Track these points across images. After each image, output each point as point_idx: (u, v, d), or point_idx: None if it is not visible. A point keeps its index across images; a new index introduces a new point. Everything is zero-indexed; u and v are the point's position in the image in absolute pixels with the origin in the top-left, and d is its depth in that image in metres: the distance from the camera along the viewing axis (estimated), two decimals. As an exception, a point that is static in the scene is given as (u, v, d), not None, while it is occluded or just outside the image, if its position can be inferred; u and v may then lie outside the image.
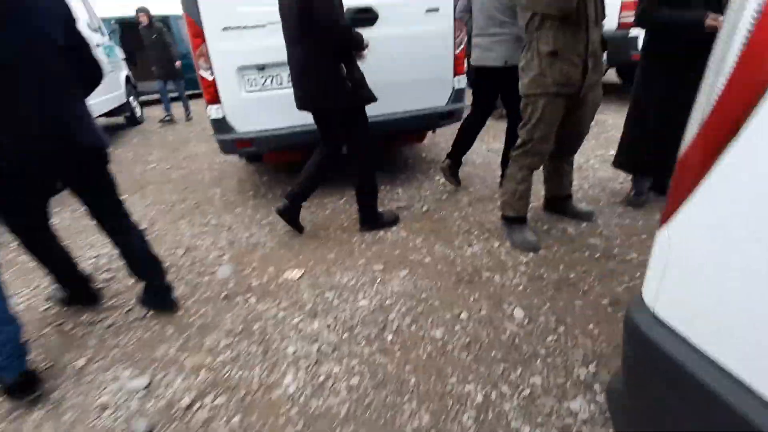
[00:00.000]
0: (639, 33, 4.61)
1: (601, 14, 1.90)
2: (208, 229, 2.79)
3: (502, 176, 3.01)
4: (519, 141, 2.11)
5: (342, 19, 2.07)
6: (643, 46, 2.32)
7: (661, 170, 2.46)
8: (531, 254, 2.15)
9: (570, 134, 2.17)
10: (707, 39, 1.86)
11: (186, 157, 4.69)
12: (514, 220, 2.27)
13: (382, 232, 2.52)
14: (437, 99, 3.11)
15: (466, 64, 3.15)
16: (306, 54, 2.13)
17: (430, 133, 3.84)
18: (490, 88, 2.77)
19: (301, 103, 2.33)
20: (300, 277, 2.11)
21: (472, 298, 1.84)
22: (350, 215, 2.78)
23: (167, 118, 6.81)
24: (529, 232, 2.27)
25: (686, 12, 1.99)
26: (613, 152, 3.57)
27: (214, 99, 2.74)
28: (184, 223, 2.91)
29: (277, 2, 2.18)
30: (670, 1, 2.03)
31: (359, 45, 2.18)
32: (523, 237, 2.23)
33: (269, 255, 2.39)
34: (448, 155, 3.09)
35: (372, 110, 2.35)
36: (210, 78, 2.68)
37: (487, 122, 3.03)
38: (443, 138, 4.43)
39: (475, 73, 2.77)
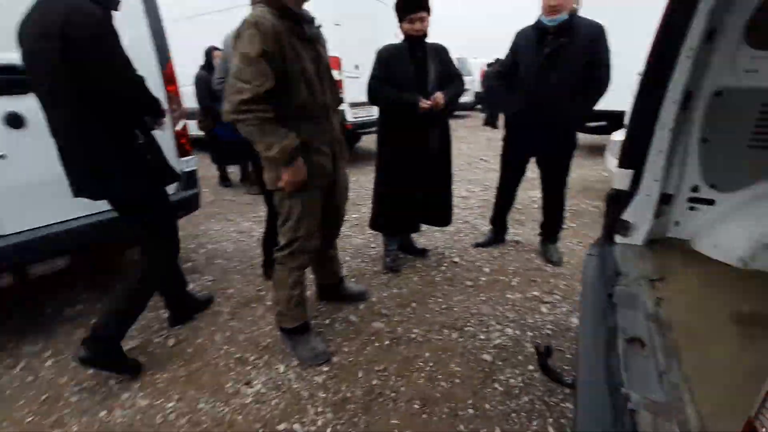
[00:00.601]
0: (345, 107, 5.40)
1: (337, 100, 1.84)
2: None
3: (265, 263, 2.59)
4: (283, 242, 1.77)
5: (132, 69, 1.53)
6: (378, 119, 2.58)
7: (404, 229, 2.77)
8: (325, 367, 1.82)
9: (330, 221, 2.01)
10: (421, 116, 2.26)
11: None
12: (296, 331, 1.89)
13: (104, 412, 1.60)
14: (160, 189, 2.41)
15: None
16: (78, 119, 1.49)
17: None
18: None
19: (78, 189, 1.63)
20: None
21: (274, 483, 1.31)
22: (58, 379, 1.68)
23: None
24: (314, 338, 1.93)
25: (403, 94, 2.29)
26: (356, 215, 3.83)
27: None
28: None
29: None
30: (389, 82, 2.31)
31: (158, 110, 1.70)
32: (312, 348, 1.87)
33: None
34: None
35: (69, 213, 1.98)
36: None
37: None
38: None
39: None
